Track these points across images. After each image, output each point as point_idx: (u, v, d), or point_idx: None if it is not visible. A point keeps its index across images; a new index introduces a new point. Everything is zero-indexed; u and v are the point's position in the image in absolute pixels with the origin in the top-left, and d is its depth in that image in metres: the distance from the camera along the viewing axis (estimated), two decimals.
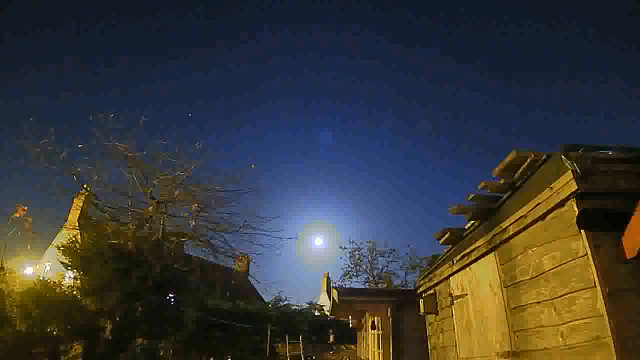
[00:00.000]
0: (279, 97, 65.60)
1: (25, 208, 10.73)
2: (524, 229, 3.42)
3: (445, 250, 5.54)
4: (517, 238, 3.57)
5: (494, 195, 4.09)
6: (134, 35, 54.97)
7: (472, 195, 4.18)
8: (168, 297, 12.01)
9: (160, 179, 11.80)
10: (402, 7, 64.05)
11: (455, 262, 4.94)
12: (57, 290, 10.37)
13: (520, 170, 3.54)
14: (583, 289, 2.67)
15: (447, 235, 5.17)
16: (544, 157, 3.28)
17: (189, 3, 59.73)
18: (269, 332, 18.32)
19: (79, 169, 11.20)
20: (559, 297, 2.90)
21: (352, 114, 67.37)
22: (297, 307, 23.57)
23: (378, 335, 9.53)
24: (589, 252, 2.63)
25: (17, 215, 10.62)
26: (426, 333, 6.10)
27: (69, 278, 11.03)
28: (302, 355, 18.01)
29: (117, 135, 11.19)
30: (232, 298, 21.54)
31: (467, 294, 4.68)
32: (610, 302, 2.47)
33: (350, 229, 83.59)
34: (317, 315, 23.55)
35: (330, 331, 20.63)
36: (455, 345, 4.88)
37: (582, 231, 2.70)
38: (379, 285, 23.80)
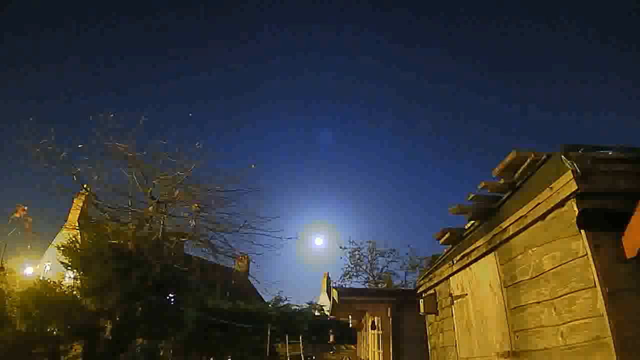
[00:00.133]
0: (279, 97, 65.65)
1: (25, 208, 10.75)
2: (524, 229, 3.43)
3: (445, 250, 5.54)
4: (517, 238, 3.57)
5: (494, 195, 4.09)
6: (134, 35, 55.02)
7: (472, 195, 4.18)
8: (168, 297, 12.02)
9: (160, 179, 11.80)
10: (402, 7, 64.10)
11: (455, 262, 4.94)
12: (57, 290, 10.37)
13: (520, 170, 3.54)
14: (583, 289, 2.67)
15: (447, 235, 5.17)
16: (544, 157, 3.28)
17: (189, 3, 59.77)
18: (269, 332, 18.32)
19: (79, 169, 11.21)
20: (559, 297, 2.90)
21: (352, 114, 67.42)
22: (297, 307, 23.57)
23: (378, 335, 9.53)
24: (589, 252, 2.63)
25: (17, 215, 10.63)
26: (426, 333, 6.10)
27: (69, 278, 11.03)
28: (302, 355, 18.00)
29: (117, 135, 11.21)
30: (232, 298, 21.54)
31: (467, 294, 4.68)
32: (610, 302, 2.47)
33: (350, 229, 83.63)
34: (317, 315, 23.54)
35: (330, 331, 20.61)
36: (455, 345, 4.88)
37: (582, 231, 2.70)
38: (379, 285, 23.80)
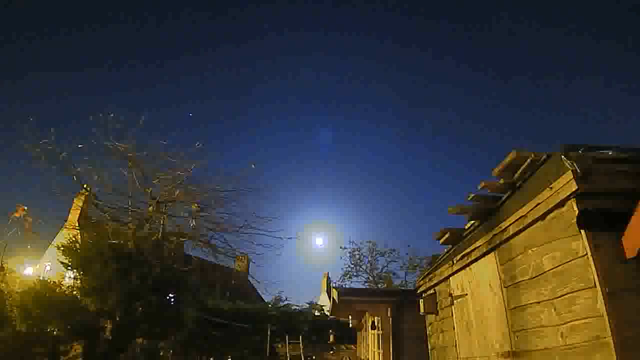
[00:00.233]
0: (279, 97, 65.65)
1: (25, 208, 10.73)
2: (524, 229, 3.43)
3: (445, 250, 5.55)
4: (517, 238, 3.57)
5: (494, 195, 4.09)
6: (133, 35, 55.00)
7: (472, 195, 4.18)
8: (168, 297, 11.99)
9: (160, 179, 11.79)
10: (403, 7, 64.04)
11: (455, 262, 4.94)
12: (57, 290, 10.35)
13: (520, 170, 3.55)
14: (583, 289, 2.67)
15: (447, 236, 5.18)
16: (544, 157, 3.29)
17: (190, 4, 59.75)
18: (269, 332, 18.32)
19: (79, 169, 11.20)
20: (559, 297, 2.90)
21: (352, 114, 67.37)
22: (297, 307, 23.56)
23: (378, 335, 9.54)
24: (589, 252, 2.63)
25: (17, 215, 10.62)
26: (426, 333, 6.10)
27: (69, 278, 11.02)
28: (302, 355, 18.00)
29: (117, 135, 11.20)
30: (232, 298, 21.54)
31: (467, 294, 4.69)
32: (610, 302, 2.47)
33: (351, 229, 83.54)
34: (317, 315, 23.54)
35: (330, 331, 20.62)
36: (455, 345, 4.88)
37: (582, 231, 2.70)
38: (379, 285, 23.83)
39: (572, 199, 2.80)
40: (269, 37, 62.84)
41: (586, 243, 2.66)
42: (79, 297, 10.22)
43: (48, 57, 50.56)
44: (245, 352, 17.63)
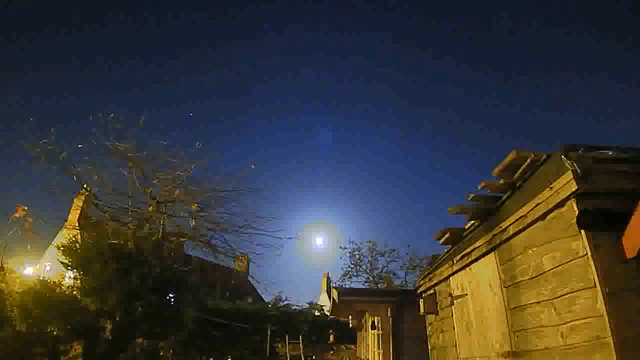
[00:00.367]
0: (279, 97, 65.64)
1: (25, 208, 10.74)
2: (524, 229, 3.43)
3: (445, 250, 5.55)
4: (517, 238, 3.57)
5: (494, 195, 4.09)
6: (133, 35, 54.99)
7: (472, 195, 4.18)
8: (168, 297, 11.99)
9: (160, 179, 11.79)
10: (403, 7, 64.06)
11: (455, 262, 4.94)
12: (57, 290, 10.35)
13: (520, 170, 3.55)
14: (583, 289, 2.67)
15: (447, 236, 5.18)
16: (544, 157, 3.29)
17: (190, 4, 59.74)
18: (269, 332, 18.32)
19: (79, 169, 11.19)
20: (559, 297, 2.90)
21: (352, 114, 67.36)
22: (297, 307, 23.57)
23: (378, 335, 9.54)
24: (589, 252, 2.63)
25: (17, 215, 10.63)
26: (426, 333, 6.10)
27: (69, 278, 11.02)
28: (302, 355, 18.00)
29: (117, 135, 11.19)
30: (232, 298, 21.54)
31: (467, 294, 4.69)
32: (610, 302, 2.47)
33: (351, 229, 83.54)
34: (317, 315, 23.54)
35: (330, 331, 20.63)
36: (455, 345, 4.88)
37: (582, 231, 2.70)
38: (379, 285, 23.83)
39: (572, 199, 2.80)
40: (269, 37, 62.88)
41: (586, 243, 2.66)
42: (79, 297, 10.21)
43: (48, 57, 50.57)
44: (245, 352, 17.63)
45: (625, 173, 2.83)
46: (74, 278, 10.74)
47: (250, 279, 19.79)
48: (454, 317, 4.99)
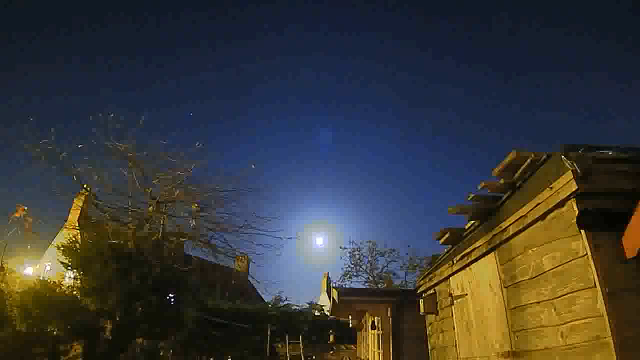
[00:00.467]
0: (279, 97, 65.63)
1: (25, 208, 10.75)
2: (524, 229, 3.43)
3: (445, 250, 5.55)
4: (517, 238, 3.57)
5: (494, 195, 4.09)
6: (133, 35, 54.98)
7: (472, 195, 4.18)
8: (168, 297, 12.00)
9: (160, 179, 11.79)
10: (403, 7, 64.04)
11: (455, 262, 4.94)
12: (57, 290, 10.34)
13: (520, 170, 3.55)
14: (583, 289, 2.67)
15: (447, 236, 5.18)
16: (544, 157, 3.29)
17: (190, 4, 59.75)
18: (269, 332, 18.32)
19: (79, 169, 11.20)
20: (559, 297, 2.90)
21: (352, 114, 67.35)
22: (297, 307, 23.57)
23: (378, 335, 9.54)
24: (589, 252, 2.63)
25: (17, 215, 10.64)
26: (426, 333, 6.10)
27: (69, 278, 11.02)
28: (302, 355, 18.00)
29: (117, 135, 11.20)
30: (232, 298, 21.54)
31: (467, 294, 4.69)
32: (610, 302, 2.47)
33: (351, 229, 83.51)
34: (317, 315, 23.54)
35: (331, 331, 20.63)
36: (455, 345, 4.88)
37: (582, 231, 2.70)
38: (379, 285, 23.83)
39: (572, 199, 2.80)
40: (269, 37, 62.84)
41: (586, 243, 2.66)
42: (79, 297, 10.21)
43: (48, 57, 50.55)
44: (245, 352, 17.63)
45: (625, 173, 2.83)
46: (74, 278, 10.75)
47: (250, 279, 19.82)
48: (454, 317, 4.99)
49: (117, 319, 10.16)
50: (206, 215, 12.40)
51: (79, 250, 10.65)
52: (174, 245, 12.17)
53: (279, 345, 19.15)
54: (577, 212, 2.75)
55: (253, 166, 12.85)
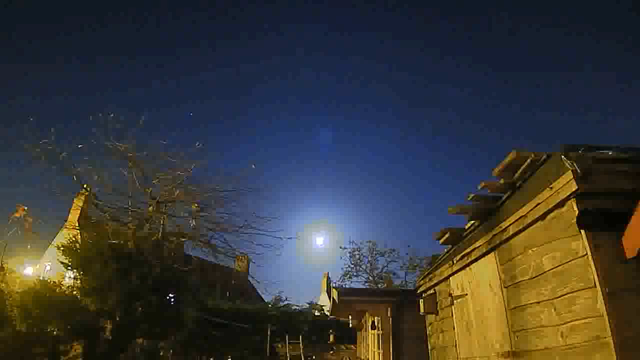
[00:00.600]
0: (279, 96, 65.62)
1: (25, 208, 10.74)
2: (524, 229, 3.43)
3: (445, 250, 5.55)
4: (517, 238, 3.57)
5: (494, 195, 4.09)
6: (133, 35, 54.98)
7: (472, 195, 4.18)
8: (168, 297, 11.99)
9: (160, 179, 11.79)
10: (403, 7, 64.05)
11: (455, 262, 4.94)
12: (57, 290, 10.34)
13: (520, 170, 3.55)
14: (583, 289, 2.67)
15: (447, 236, 5.18)
16: (544, 157, 3.29)
17: (190, 4, 59.74)
18: (269, 332, 18.32)
19: (79, 169, 11.19)
20: (559, 297, 2.90)
21: (352, 114, 67.34)
22: (297, 307, 23.58)
23: (378, 335, 9.54)
24: (589, 252, 2.63)
25: (17, 215, 10.64)
26: (426, 333, 6.10)
27: (69, 278, 11.02)
28: (302, 355, 18.00)
29: (117, 135, 11.20)
30: (232, 298, 21.54)
31: (467, 294, 4.69)
32: (610, 302, 2.47)
33: (351, 229, 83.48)
34: (317, 315, 23.55)
35: (330, 331, 20.63)
36: (455, 345, 4.88)
37: (582, 231, 2.70)
38: (379, 285, 23.83)
39: (572, 199, 2.80)
40: (269, 37, 62.85)
41: (586, 243, 2.66)
42: (79, 297, 10.21)
43: (48, 57, 50.56)
44: (245, 352, 17.63)
45: (625, 173, 2.83)
46: (74, 278, 10.74)
47: (250, 279, 19.82)
48: (454, 317, 4.99)
49: (117, 319, 10.16)
50: (206, 215, 12.41)
51: (79, 250, 10.65)
52: (174, 245, 12.17)
53: (279, 345, 19.15)
54: (577, 212, 2.75)
55: (253, 166, 12.85)
